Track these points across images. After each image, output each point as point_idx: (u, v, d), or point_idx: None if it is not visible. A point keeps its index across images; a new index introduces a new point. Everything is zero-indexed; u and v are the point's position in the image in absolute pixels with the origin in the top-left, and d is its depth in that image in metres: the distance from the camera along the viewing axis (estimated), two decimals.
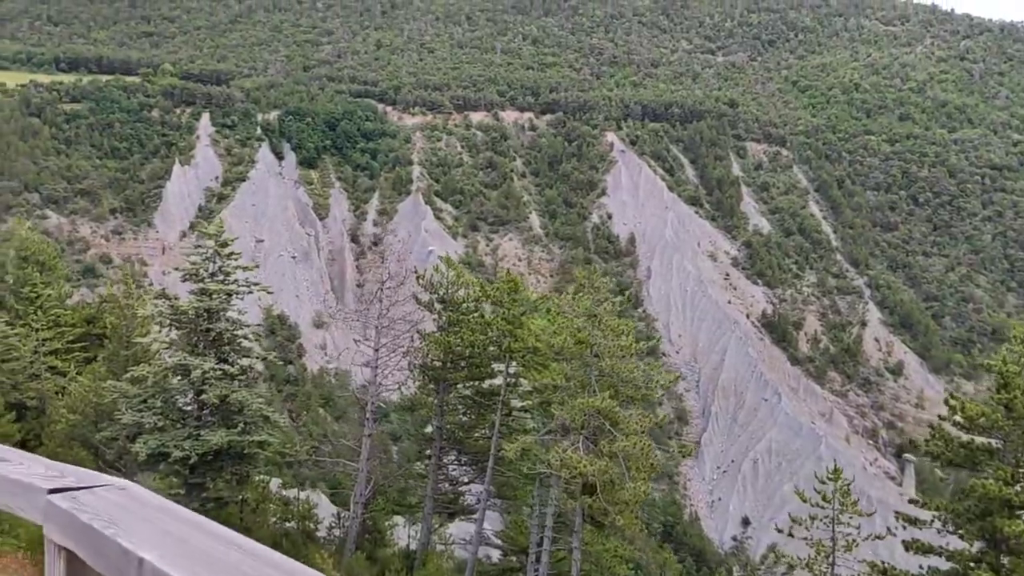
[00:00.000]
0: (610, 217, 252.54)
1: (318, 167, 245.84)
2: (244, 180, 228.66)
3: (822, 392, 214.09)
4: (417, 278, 33.22)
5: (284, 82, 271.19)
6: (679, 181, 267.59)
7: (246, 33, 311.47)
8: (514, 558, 32.63)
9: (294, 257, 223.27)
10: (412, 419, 34.01)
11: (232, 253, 28.10)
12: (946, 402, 24.28)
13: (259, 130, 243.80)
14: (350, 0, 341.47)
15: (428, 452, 34.10)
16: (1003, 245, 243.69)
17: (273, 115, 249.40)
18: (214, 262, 27.71)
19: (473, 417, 33.48)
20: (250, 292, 27.69)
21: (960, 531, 23.95)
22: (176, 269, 29.46)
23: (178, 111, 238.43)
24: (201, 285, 27.39)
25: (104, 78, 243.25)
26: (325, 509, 37.46)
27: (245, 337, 27.33)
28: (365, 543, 34.70)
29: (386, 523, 37.70)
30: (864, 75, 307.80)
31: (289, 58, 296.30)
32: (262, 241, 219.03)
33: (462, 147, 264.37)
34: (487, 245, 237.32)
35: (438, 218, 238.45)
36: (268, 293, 31.81)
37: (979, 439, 22.98)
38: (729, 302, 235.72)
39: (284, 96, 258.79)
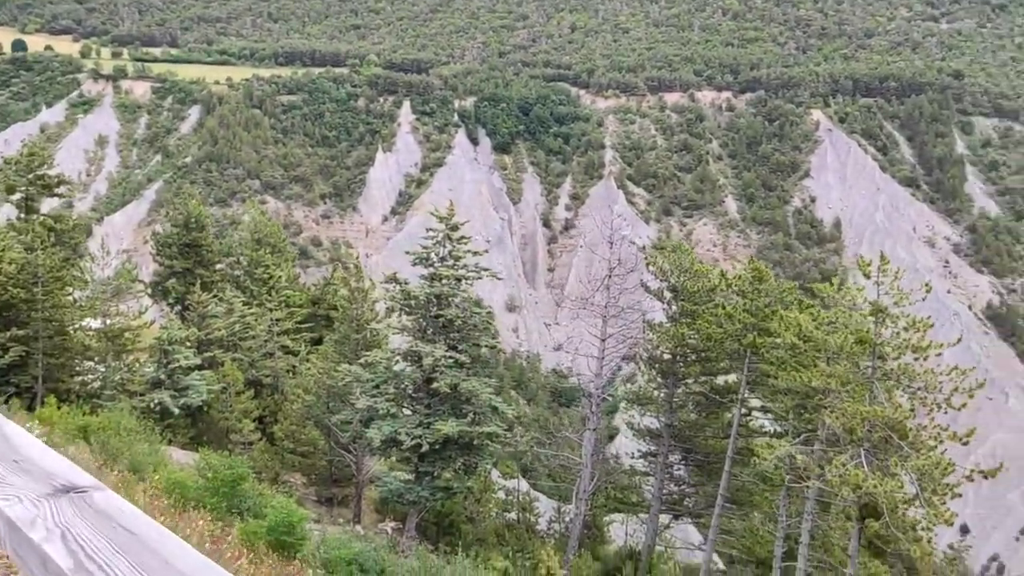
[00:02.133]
0: (813, 201, 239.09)
1: (511, 152, 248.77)
2: (441, 166, 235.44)
3: None
4: (647, 265, 31.22)
5: (480, 68, 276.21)
6: (893, 160, 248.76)
7: (445, 21, 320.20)
8: (744, 567, 30.08)
9: (488, 241, 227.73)
10: (639, 414, 32.13)
11: (463, 237, 27.29)
12: None
13: (456, 116, 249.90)
14: None
15: (654, 450, 32.09)
16: None
17: (469, 101, 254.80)
18: (444, 246, 27.00)
19: (704, 415, 31.10)
20: (479, 278, 26.81)
21: None
22: (407, 253, 29.03)
23: (381, 100, 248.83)
24: (432, 270, 26.74)
25: (316, 70, 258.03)
26: (544, 503, 36.43)
27: (475, 326, 26.47)
28: (586, 540, 33.30)
29: (604, 520, 36.20)
30: None
31: (485, 44, 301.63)
32: None
33: (656, 130, 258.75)
34: (680, 230, 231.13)
35: (630, 202, 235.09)
36: (497, 279, 30.90)
37: None
38: (949, 292, 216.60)
39: (480, 82, 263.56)
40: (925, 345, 21.13)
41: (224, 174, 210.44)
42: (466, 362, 25.84)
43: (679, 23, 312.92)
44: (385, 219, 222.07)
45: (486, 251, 30.11)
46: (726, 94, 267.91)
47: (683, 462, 32.31)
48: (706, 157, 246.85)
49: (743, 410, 28.10)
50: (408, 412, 26.35)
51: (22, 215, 37.80)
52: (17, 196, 37.85)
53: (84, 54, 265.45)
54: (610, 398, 31.40)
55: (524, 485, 38.13)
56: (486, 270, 26.70)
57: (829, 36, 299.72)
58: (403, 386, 26.61)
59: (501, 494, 33.99)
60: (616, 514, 35.70)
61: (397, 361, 26.77)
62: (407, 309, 27.15)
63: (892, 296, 21.78)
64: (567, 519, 35.04)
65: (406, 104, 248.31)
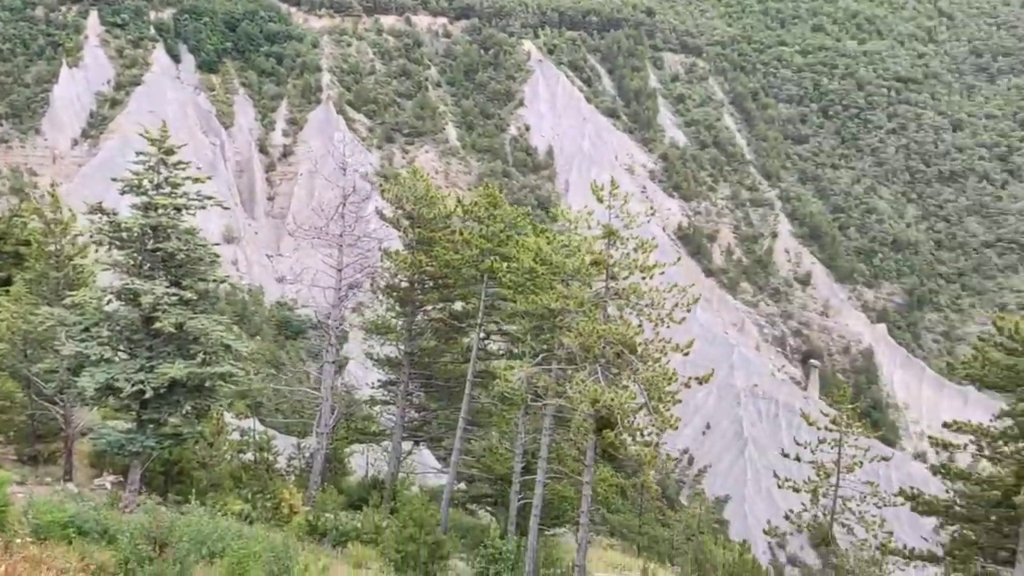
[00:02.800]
0: (528, 129, 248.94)
1: (219, 72, 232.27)
2: (138, 84, 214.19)
3: (734, 302, 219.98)
4: (382, 192, 30.44)
5: None
6: (597, 92, 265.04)
7: None
8: (488, 486, 31.19)
9: (199, 168, 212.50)
10: (378, 344, 31.70)
11: (180, 162, 24.72)
12: (994, 323, 23.49)
13: (152, 30, 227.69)
14: None
15: (394, 378, 31.96)
16: (905, 157, 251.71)
17: (167, 14, 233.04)
18: (159, 172, 24.31)
19: (443, 342, 31.37)
20: (203, 207, 24.55)
21: (997, 454, 23.49)
22: (114, 180, 25.80)
23: (64, 8, 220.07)
24: (146, 199, 24.04)
25: None
26: (282, 440, 35.15)
27: (200, 259, 24.30)
28: (328, 474, 32.70)
29: (345, 452, 35.74)
30: None
31: None
32: None
33: (374, 53, 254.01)
34: (403, 157, 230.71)
35: (352, 129, 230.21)
36: (224, 208, 28.52)
37: (1022, 361, 22.21)
38: (647, 214, 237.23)
39: None
40: (651, 265, 22.68)
41: None
42: (192, 299, 23.73)
43: None
44: (75, 143, 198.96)
45: (209, 178, 27.63)
46: (442, 20, 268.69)
47: (423, 389, 32.54)
48: (425, 84, 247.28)
49: (482, 334, 28.70)
50: (126, 356, 23.80)
51: None
52: None
53: None
54: (348, 329, 30.64)
55: (260, 425, 36.56)
56: (209, 198, 24.51)
57: None
58: (118, 328, 23.95)
59: (236, 435, 32.29)
60: (357, 445, 35.40)
61: (110, 301, 23.98)
62: (118, 243, 24.30)
63: (622, 219, 22.99)
64: (307, 455, 34.17)
65: (93, 14, 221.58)
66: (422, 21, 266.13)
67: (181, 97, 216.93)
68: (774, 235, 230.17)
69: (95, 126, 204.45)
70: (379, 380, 33.53)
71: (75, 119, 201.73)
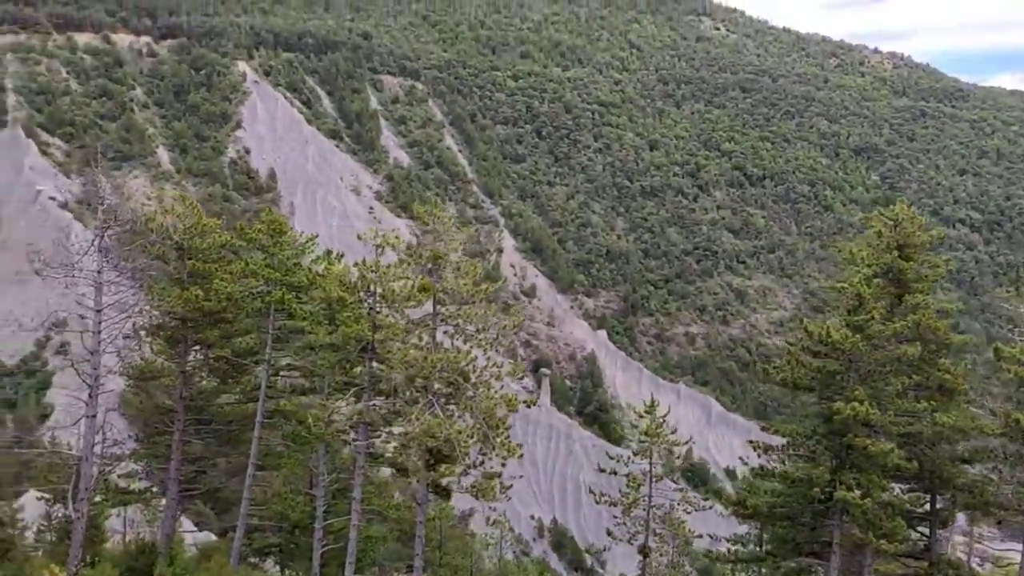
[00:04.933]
0: (248, 152, 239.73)
1: None
2: None
3: None
4: (147, 222, 27.50)
5: None
6: (318, 114, 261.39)
7: None
8: (276, 535, 29.09)
9: None
10: (146, 391, 28.51)
11: None
12: (805, 328, 25.54)
13: None
14: None
15: (169, 427, 28.94)
16: (612, 174, 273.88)
17: None
18: None
19: (223, 382, 28.93)
20: None
21: (811, 452, 25.53)
22: None
23: None
24: None
25: None
26: (29, 508, 30.38)
27: None
28: (87, 544, 28.83)
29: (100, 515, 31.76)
30: (488, 12, 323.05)
31: None
32: None
33: (68, 73, 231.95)
34: (109, 183, 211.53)
35: (45, 153, 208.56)
36: None
37: (831, 363, 24.44)
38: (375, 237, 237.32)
39: None
40: (480, 289, 22.40)
41: None
42: None
43: None
44: None
45: None
46: (146, 38, 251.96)
47: (198, 437, 29.77)
48: (130, 105, 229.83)
49: (271, 371, 26.82)
50: None
51: None
52: None
53: None
54: (121, 378, 27.24)
55: (27, 496, 31.35)
56: None
57: None
58: None
59: None
60: (120, 508, 31.55)
61: None
62: None
63: (447, 244, 22.55)
64: (54, 522, 29.93)
65: None
66: (123, 39, 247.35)
67: None
68: (500, 250, 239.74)
69: None
70: (142, 432, 30.21)
71: None
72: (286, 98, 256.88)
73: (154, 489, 30.64)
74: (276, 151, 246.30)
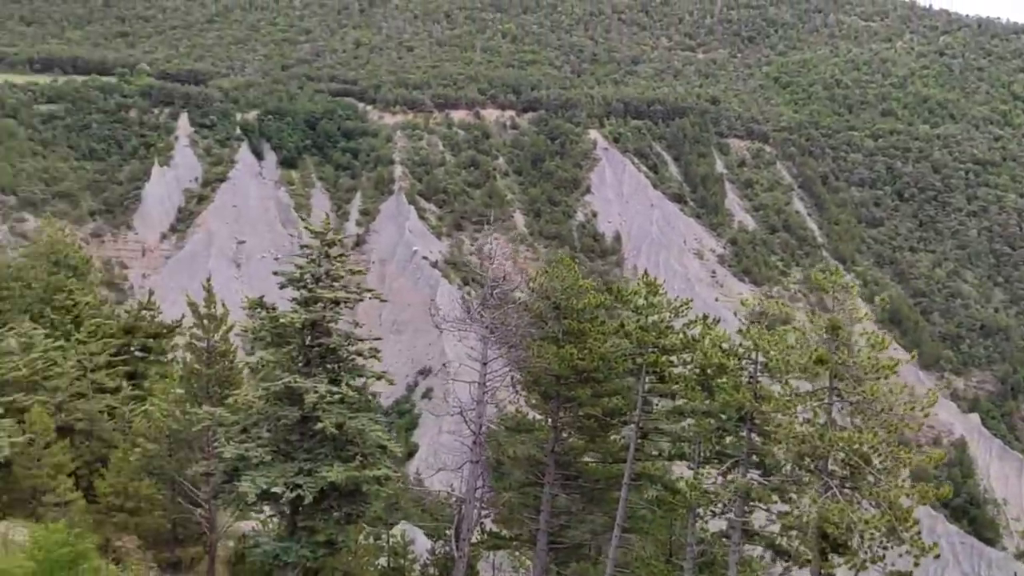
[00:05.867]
0: (595, 215, 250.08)
1: (299, 167, 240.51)
2: (224, 181, 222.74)
3: None
4: (529, 282, 29.47)
5: (262, 82, 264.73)
6: (663, 178, 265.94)
7: (223, 32, 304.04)
8: None
9: (277, 259, 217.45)
10: (520, 442, 30.18)
11: (342, 255, 24.11)
12: None
13: (238, 130, 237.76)
14: None
15: (539, 480, 30.25)
16: (988, 240, 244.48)
17: (252, 115, 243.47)
18: (320, 265, 23.70)
19: (591, 440, 29.72)
20: (361, 299, 23.81)
21: None
22: (275, 274, 25.31)
23: (156, 111, 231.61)
24: (306, 292, 23.35)
25: (80, 79, 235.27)
26: (418, 543, 33.49)
27: (359, 353, 23.41)
28: None
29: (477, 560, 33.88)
30: (845, 71, 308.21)
31: (267, 57, 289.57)
32: (244, 242, 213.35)
33: (444, 146, 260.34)
34: (471, 244, 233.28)
35: (422, 217, 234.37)
36: (381, 301, 27.82)
37: None
38: (717, 299, 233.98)
39: (263, 96, 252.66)
40: (889, 364, 20.76)
41: None
42: (351, 397, 22.73)
43: (461, 43, 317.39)
44: (163, 237, 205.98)
45: (368, 269, 27.01)
46: (509, 112, 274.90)
47: (564, 491, 30.76)
48: (493, 173, 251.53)
49: (640, 433, 27.02)
50: (282, 459, 22.74)
51: None
52: None
53: None
54: (493, 426, 29.22)
55: (397, 528, 35.01)
56: (370, 291, 23.76)
57: (600, 61, 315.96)
58: (276, 429, 22.98)
59: (371, 541, 30.81)
60: (494, 552, 33.57)
61: (268, 399, 23.10)
62: (276, 339, 23.55)
63: (847, 312, 21.39)
64: (435, 557, 32.42)
65: (183, 116, 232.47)
66: (490, 114, 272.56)
67: (263, 192, 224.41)
68: (857, 320, 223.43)
69: (182, 220, 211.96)
70: (516, 480, 31.83)
71: (165, 215, 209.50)
72: (633, 163, 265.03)
73: (522, 538, 32.10)
74: (622, 214, 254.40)
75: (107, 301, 53.74)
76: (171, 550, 27.34)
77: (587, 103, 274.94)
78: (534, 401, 29.93)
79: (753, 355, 22.47)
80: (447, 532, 31.01)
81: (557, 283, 28.54)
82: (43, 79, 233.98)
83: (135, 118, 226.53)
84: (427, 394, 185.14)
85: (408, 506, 37.83)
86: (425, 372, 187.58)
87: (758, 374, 22.11)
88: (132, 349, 37.15)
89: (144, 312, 37.94)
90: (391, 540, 31.49)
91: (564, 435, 29.98)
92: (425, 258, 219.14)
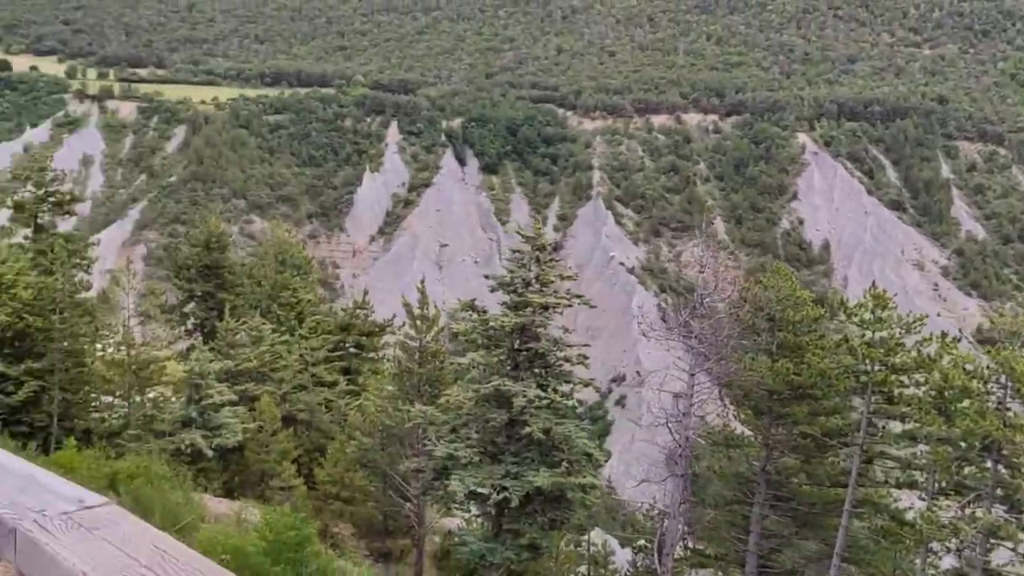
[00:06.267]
0: (801, 223, 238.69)
1: (499, 173, 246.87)
2: (429, 186, 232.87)
3: None
4: (742, 293, 28.23)
5: (467, 89, 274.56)
6: (879, 184, 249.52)
7: (431, 43, 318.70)
8: None
9: (476, 262, 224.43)
10: (727, 457, 28.97)
11: (552, 260, 24.09)
12: None
13: (443, 137, 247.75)
14: (531, 7, 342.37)
15: (748, 499, 28.88)
16: None
17: (457, 122, 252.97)
18: (530, 270, 23.79)
19: (806, 460, 27.97)
20: (570, 305, 23.68)
21: None
22: (485, 277, 25.77)
23: (369, 120, 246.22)
24: (516, 297, 23.49)
25: (303, 91, 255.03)
26: (618, 553, 33.06)
27: (567, 359, 23.27)
28: None
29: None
30: None
31: (472, 66, 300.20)
32: (446, 245, 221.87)
33: (643, 151, 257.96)
34: (669, 251, 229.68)
35: (619, 223, 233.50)
36: (590, 307, 27.74)
37: None
38: (939, 315, 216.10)
39: (467, 103, 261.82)
40: None
41: (209, 193, 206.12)
42: (558, 402, 22.60)
43: (664, 47, 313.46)
44: (372, 239, 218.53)
45: (576, 274, 26.87)
46: (712, 117, 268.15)
47: (777, 512, 29.13)
48: (694, 179, 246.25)
49: (864, 457, 25.06)
50: (489, 461, 22.98)
51: (29, 235, 34.19)
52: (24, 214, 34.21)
53: (70, 75, 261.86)
54: (699, 439, 28.19)
55: (597, 536, 34.81)
56: (579, 297, 23.56)
57: (812, 61, 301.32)
58: (484, 430, 23.27)
59: (571, 547, 30.68)
60: (697, 569, 32.42)
61: (478, 401, 23.45)
62: (486, 342, 23.86)
63: None
64: (636, 570, 31.70)
65: (393, 124, 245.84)
66: (692, 118, 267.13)
67: (465, 197, 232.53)
68: None
69: (390, 224, 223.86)
70: (723, 497, 30.54)
71: (374, 218, 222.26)
72: (846, 168, 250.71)
73: (728, 558, 30.76)
74: (831, 222, 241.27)
75: (324, 299, 57.48)
76: (382, 540, 28.42)
77: (796, 105, 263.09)
78: (744, 416, 28.55)
79: (1001, 378, 20.10)
80: (645, 544, 30.27)
81: (772, 293, 27.05)
82: (272, 92, 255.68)
83: (350, 126, 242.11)
84: (620, 401, 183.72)
85: (600, 513, 37.38)
86: (619, 379, 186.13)
87: (1008, 399, 19.73)
88: (347, 345, 39.25)
89: (359, 311, 39.97)
90: (592, 548, 31.23)
91: (776, 453, 28.35)
92: (622, 264, 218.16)
